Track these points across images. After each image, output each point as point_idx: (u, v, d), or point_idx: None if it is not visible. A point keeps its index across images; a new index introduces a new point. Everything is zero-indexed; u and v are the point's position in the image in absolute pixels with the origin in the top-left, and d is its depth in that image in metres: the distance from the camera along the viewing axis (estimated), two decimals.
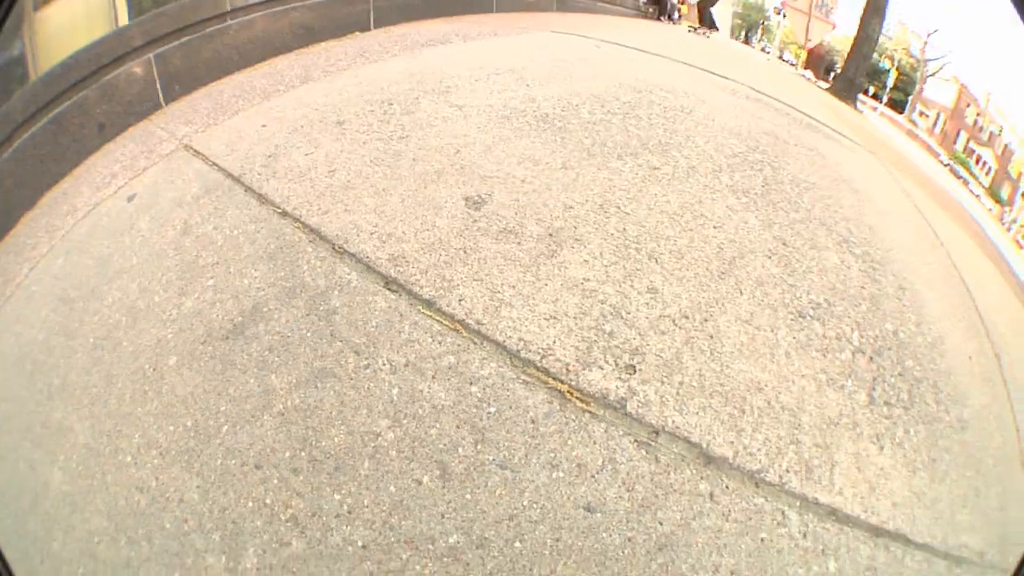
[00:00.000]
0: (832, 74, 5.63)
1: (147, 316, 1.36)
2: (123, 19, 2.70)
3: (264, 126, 2.03)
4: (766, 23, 5.98)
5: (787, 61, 5.89)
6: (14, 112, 2.11)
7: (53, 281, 1.61)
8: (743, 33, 6.16)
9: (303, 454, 1.03)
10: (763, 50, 6.28)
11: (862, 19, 4.94)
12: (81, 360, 1.34)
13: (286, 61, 2.62)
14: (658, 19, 6.83)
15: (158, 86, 2.45)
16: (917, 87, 5.25)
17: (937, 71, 5.20)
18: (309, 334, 1.20)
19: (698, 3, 5.52)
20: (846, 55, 5.51)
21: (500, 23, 3.37)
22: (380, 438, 1.03)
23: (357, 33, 2.99)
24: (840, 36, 5.73)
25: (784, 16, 5.61)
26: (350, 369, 1.13)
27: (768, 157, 1.90)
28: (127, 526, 1.01)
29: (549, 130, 1.74)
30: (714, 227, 1.47)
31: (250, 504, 0.99)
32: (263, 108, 2.19)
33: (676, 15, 6.87)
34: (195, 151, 1.95)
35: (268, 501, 0.99)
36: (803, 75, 5.40)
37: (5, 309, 1.60)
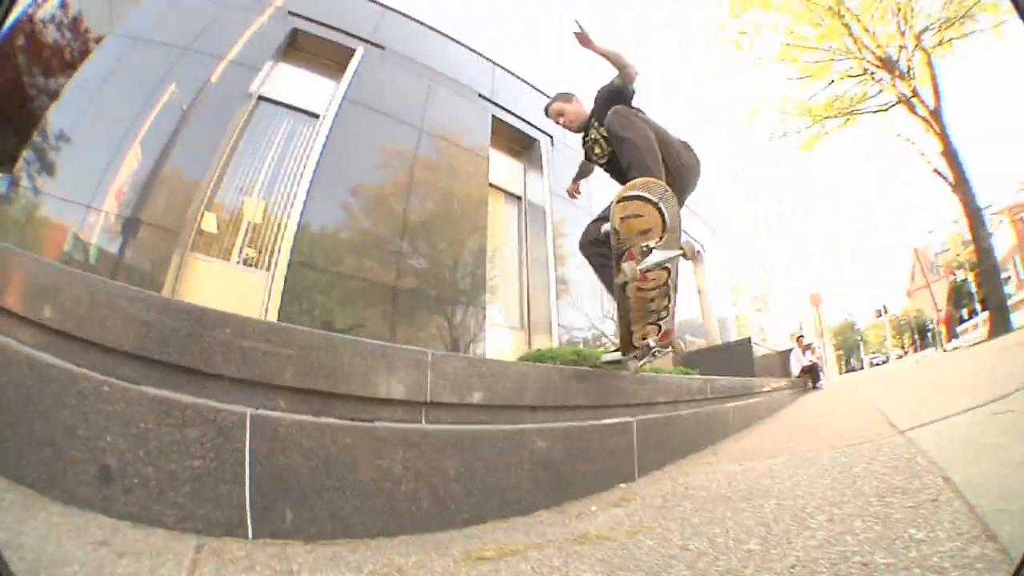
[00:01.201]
0: (970, 318, 5.35)
1: None
2: (274, 304, 2.54)
3: None
4: (863, 335, 6.01)
5: (897, 357, 5.50)
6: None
7: None
8: (845, 361, 6.01)
9: None
10: (872, 363, 6.02)
11: (973, 236, 4.86)
12: None
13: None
14: (812, 387, 7.09)
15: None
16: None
17: (998, 227, 4.91)
18: None
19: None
20: (981, 291, 5.37)
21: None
22: None
23: (621, 487, 1.93)
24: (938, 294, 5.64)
25: (884, 313, 5.66)
26: None
27: None
28: None
29: None
30: None
31: None
32: None
33: (821, 378, 7.16)
34: None
35: None
36: (948, 349, 5.08)
37: None
